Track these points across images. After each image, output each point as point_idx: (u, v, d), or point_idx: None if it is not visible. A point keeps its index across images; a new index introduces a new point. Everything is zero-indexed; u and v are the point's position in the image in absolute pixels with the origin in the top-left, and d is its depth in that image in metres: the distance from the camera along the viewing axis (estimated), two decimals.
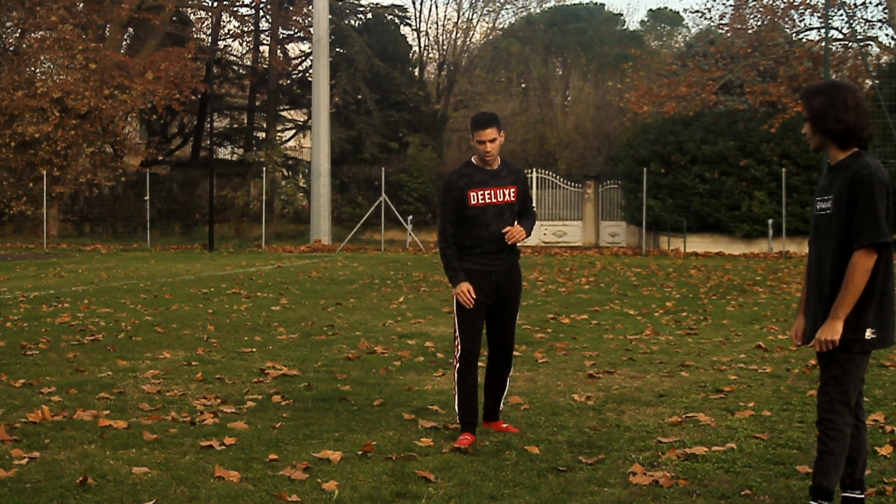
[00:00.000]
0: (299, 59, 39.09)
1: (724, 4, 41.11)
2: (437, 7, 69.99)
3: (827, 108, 3.82)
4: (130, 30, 34.04)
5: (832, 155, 3.91)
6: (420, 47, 39.24)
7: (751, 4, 27.65)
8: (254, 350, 8.58)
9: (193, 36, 34.27)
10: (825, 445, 3.84)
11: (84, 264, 20.05)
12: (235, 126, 40.74)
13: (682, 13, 54.17)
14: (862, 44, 26.56)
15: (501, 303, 5.44)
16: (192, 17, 36.58)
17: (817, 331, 3.90)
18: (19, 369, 7.50)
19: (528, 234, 5.39)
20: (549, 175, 31.19)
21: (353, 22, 36.11)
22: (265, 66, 36.64)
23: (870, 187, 3.73)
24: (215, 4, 36.00)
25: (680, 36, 47.67)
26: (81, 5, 31.03)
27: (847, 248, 3.79)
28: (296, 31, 37.25)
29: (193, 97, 33.60)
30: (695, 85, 26.32)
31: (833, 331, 3.76)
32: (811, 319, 3.97)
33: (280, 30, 36.68)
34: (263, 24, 37.84)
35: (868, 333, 3.79)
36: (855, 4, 26.81)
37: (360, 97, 33.96)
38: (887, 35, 35.49)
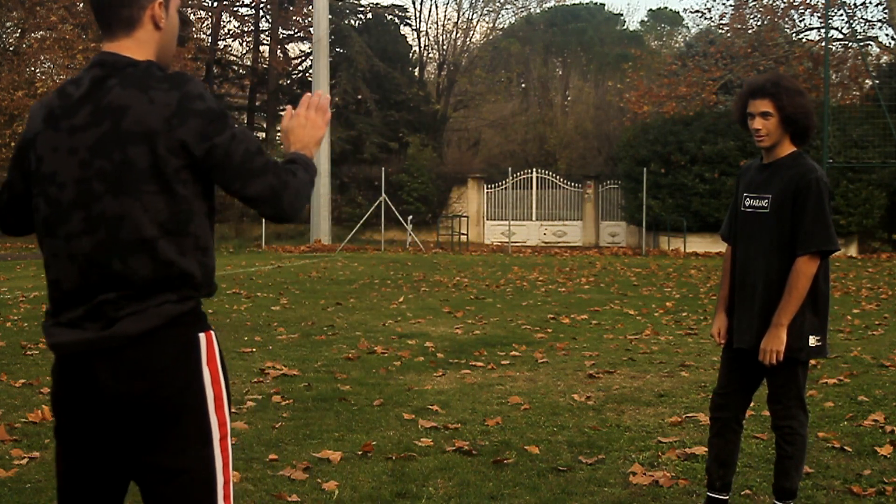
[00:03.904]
0: (299, 59, 39.10)
1: (724, 4, 41.11)
2: (437, 7, 70.01)
3: (807, 108, 3.77)
4: None
5: (775, 152, 3.84)
6: (420, 47, 39.28)
7: (751, 4, 27.67)
8: (254, 350, 8.57)
9: (193, 36, 34.26)
10: (784, 450, 3.84)
11: None
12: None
13: (682, 13, 54.19)
14: (862, 44, 26.57)
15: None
16: (192, 17, 36.57)
17: (740, 330, 3.85)
18: (19, 369, 7.50)
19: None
20: (549, 175, 31.20)
21: (353, 22, 36.12)
22: (265, 66, 36.64)
23: (818, 193, 3.69)
24: (215, 4, 36.00)
25: (680, 36, 47.67)
26: (81, 5, 31.00)
27: (782, 250, 3.74)
28: (296, 31, 37.26)
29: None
30: (695, 85, 26.32)
31: (778, 340, 3.69)
32: (734, 319, 3.92)
33: (280, 30, 36.69)
34: (263, 24, 37.86)
35: (812, 341, 3.75)
36: (855, 4, 26.84)
37: (360, 97, 33.96)
38: (887, 35, 35.52)
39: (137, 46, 2.23)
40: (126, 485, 2.33)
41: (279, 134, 39.62)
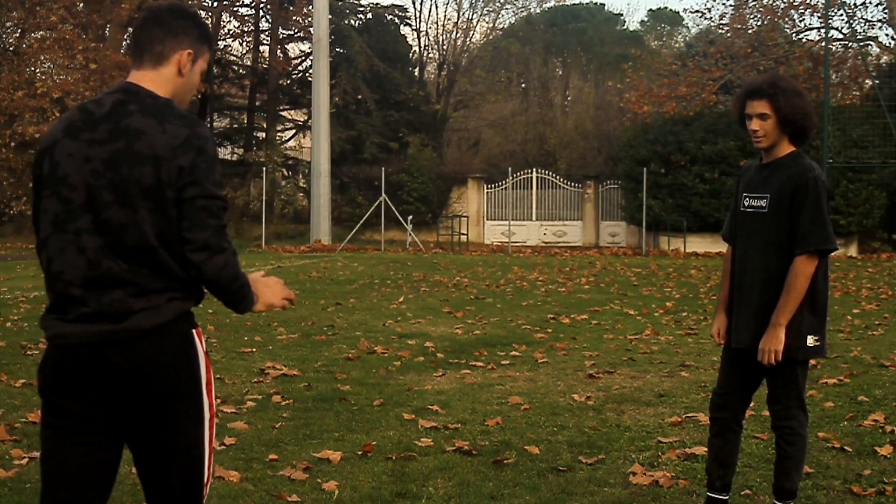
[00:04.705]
0: (299, 59, 39.09)
1: (724, 4, 41.14)
2: (437, 7, 70.17)
3: (805, 108, 3.76)
4: (130, 30, 34.05)
5: (774, 152, 3.83)
6: (420, 47, 39.28)
7: (751, 4, 27.68)
8: (254, 350, 8.58)
9: None
10: (783, 450, 3.84)
11: None
12: (235, 126, 40.73)
13: (682, 13, 54.19)
14: (862, 44, 26.58)
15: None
16: None
17: (739, 330, 3.85)
18: (19, 369, 7.50)
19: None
20: (549, 175, 31.20)
21: (353, 22, 36.10)
22: (265, 66, 36.64)
23: (816, 192, 3.68)
24: (215, 4, 35.99)
25: (680, 36, 47.66)
26: (81, 5, 31.02)
27: (780, 249, 3.74)
28: (296, 31, 37.23)
29: (193, 97, 33.56)
30: (695, 85, 26.33)
31: (776, 340, 3.69)
32: (733, 319, 3.91)
33: (280, 30, 36.68)
34: (263, 24, 37.84)
35: (810, 340, 3.74)
36: (855, 4, 26.85)
37: (360, 97, 33.95)
38: (887, 35, 35.51)
39: (158, 80, 2.55)
40: (115, 472, 2.55)
41: (279, 134, 39.60)
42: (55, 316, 2.44)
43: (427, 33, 48.53)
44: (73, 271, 2.41)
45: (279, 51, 36.90)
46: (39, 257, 2.51)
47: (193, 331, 2.51)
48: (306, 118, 37.81)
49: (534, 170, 31.38)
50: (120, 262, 2.40)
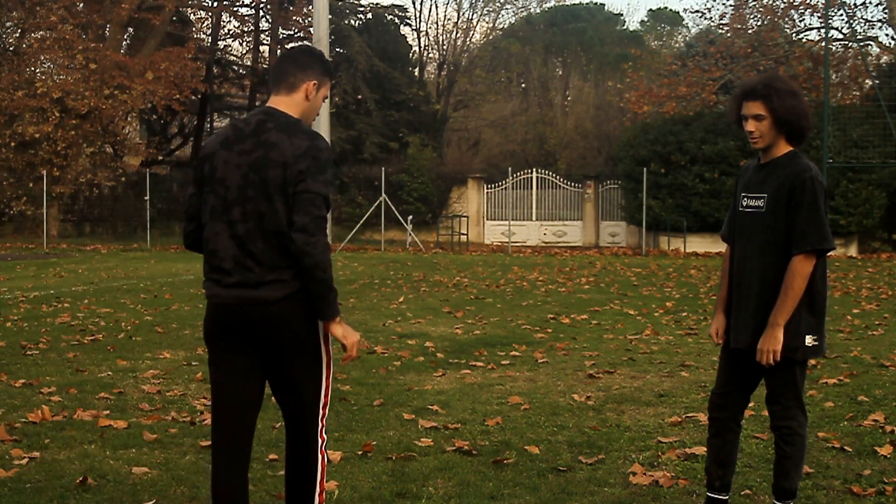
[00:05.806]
0: None
1: (724, 4, 41.15)
2: (437, 7, 70.23)
3: (800, 109, 3.75)
4: (130, 30, 34.03)
5: (771, 153, 3.83)
6: (420, 47, 39.29)
7: (751, 4, 27.69)
8: None
9: (193, 36, 34.26)
10: (783, 450, 3.83)
11: (84, 264, 20.05)
12: None
13: (682, 13, 54.22)
14: (862, 44, 26.58)
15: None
16: (192, 17, 36.56)
17: (737, 331, 3.85)
18: (19, 369, 7.50)
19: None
20: (549, 175, 31.19)
21: (353, 22, 36.10)
22: (265, 66, 36.64)
23: (813, 192, 3.67)
24: (215, 4, 36.00)
25: (680, 36, 47.69)
26: (81, 5, 31.01)
27: (778, 250, 3.73)
28: (296, 31, 37.22)
29: (193, 97, 33.55)
30: (695, 85, 26.33)
31: (775, 340, 3.68)
32: (732, 319, 3.91)
33: (280, 30, 36.68)
34: (263, 24, 37.84)
35: (809, 340, 3.74)
36: (855, 4, 26.85)
37: (360, 97, 33.95)
38: (887, 35, 35.53)
39: (290, 104, 3.33)
40: (261, 396, 3.39)
41: None
42: (211, 281, 3.28)
43: (427, 33, 48.61)
44: (225, 251, 3.22)
45: (279, 51, 36.90)
46: (187, 233, 3.40)
47: None
48: None
49: (534, 170, 31.38)
50: (259, 243, 3.18)
